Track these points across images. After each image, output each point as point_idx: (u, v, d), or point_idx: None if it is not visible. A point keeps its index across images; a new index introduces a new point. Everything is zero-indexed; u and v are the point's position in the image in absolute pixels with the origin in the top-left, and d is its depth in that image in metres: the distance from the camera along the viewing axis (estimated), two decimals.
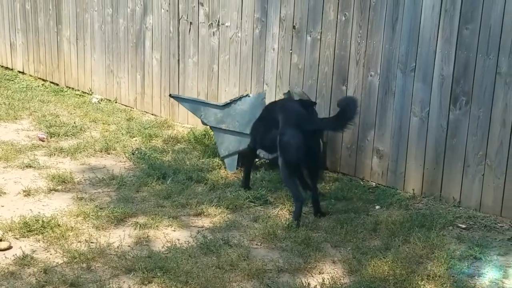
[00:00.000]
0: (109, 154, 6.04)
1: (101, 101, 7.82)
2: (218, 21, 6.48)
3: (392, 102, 5.24)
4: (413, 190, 5.19)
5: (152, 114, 7.32)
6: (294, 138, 4.62)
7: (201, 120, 5.88)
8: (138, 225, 4.51)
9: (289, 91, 5.72)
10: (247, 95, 5.75)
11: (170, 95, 6.29)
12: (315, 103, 5.24)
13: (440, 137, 5.00)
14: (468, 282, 3.87)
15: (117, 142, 6.28)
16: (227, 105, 5.71)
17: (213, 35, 6.56)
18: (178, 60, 6.96)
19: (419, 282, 3.80)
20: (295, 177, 4.73)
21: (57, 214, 4.63)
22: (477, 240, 4.39)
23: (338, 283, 3.81)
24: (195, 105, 5.90)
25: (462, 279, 3.90)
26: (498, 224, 4.68)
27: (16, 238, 4.27)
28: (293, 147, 4.62)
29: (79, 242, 4.24)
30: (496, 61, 4.62)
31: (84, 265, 3.95)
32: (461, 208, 4.91)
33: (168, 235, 4.41)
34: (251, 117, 5.38)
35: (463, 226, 4.64)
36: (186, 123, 6.97)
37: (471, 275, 3.97)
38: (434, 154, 5.06)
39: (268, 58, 6.08)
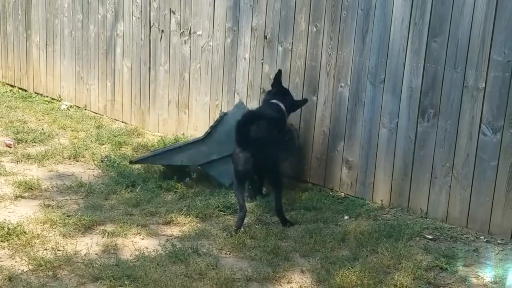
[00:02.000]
0: (77, 161, 5.98)
1: (70, 107, 7.76)
2: (190, 30, 6.48)
3: (362, 113, 5.29)
4: (382, 201, 5.23)
5: (122, 122, 7.27)
6: (242, 151, 4.68)
7: (188, 167, 5.41)
8: (106, 233, 4.47)
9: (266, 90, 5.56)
10: (224, 114, 5.51)
11: (130, 162, 5.51)
12: (306, 100, 5.43)
13: (408, 149, 5.06)
14: None
15: (86, 149, 6.22)
16: (208, 135, 5.43)
17: (185, 43, 6.55)
18: (149, 67, 6.94)
19: None
20: (242, 188, 4.80)
21: (23, 221, 4.57)
22: (444, 251, 4.45)
23: None
24: (169, 155, 5.40)
25: None
26: (464, 236, 4.74)
27: None
28: (241, 159, 4.68)
29: (45, 249, 4.18)
30: (463, 74, 4.70)
31: (50, 273, 3.90)
32: (428, 219, 4.97)
33: (136, 244, 4.38)
34: None
35: (430, 237, 4.69)
36: (156, 131, 6.94)
37: (437, 286, 4.02)
38: (402, 166, 5.11)
39: (240, 68, 6.10)
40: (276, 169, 4.86)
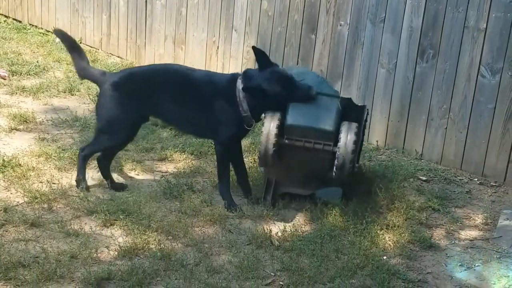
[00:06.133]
0: (72, 95, 5.93)
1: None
2: None
3: (360, 53, 5.23)
4: (377, 141, 5.24)
5: (118, 57, 7.18)
6: None
7: None
8: None
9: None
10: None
11: None
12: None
13: (406, 90, 5.03)
14: (425, 232, 3.96)
15: (81, 83, 6.14)
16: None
17: None
18: (146, 1, 6.80)
19: (378, 232, 3.87)
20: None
21: (18, 153, 4.56)
22: (437, 192, 4.48)
23: (299, 231, 3.86)
24: None
25: (419, 229, 3.98)
26: (458, 177, 4.77)
27: None
28: None
29: (40, 182, 4.19)
30: (465, 14, 4.63)
31: (46, 205, 3.92)
32: (423, 160, 4.99)
33: (131, 179, 4.39)
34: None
35: (424, 178, 4.72)
36: None
37: (429, 226, 4.06)
38: (399, 107, 5.09)
39: (238, 3, 5.98)
40: None
